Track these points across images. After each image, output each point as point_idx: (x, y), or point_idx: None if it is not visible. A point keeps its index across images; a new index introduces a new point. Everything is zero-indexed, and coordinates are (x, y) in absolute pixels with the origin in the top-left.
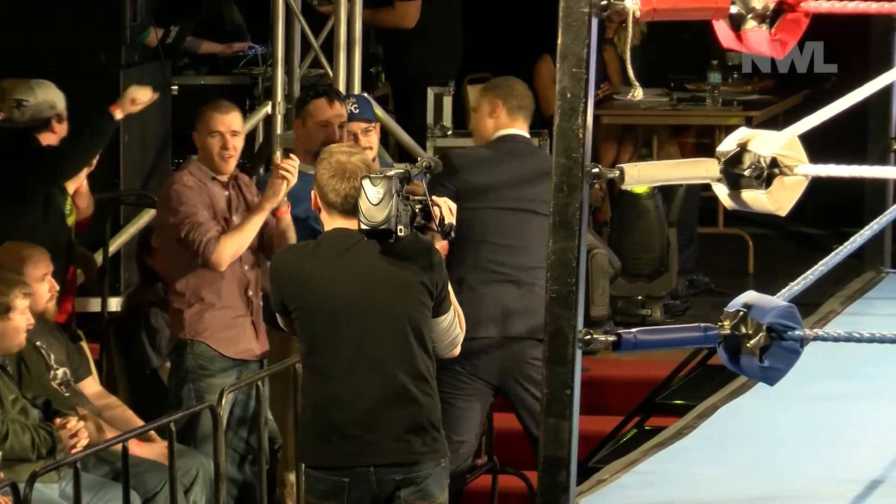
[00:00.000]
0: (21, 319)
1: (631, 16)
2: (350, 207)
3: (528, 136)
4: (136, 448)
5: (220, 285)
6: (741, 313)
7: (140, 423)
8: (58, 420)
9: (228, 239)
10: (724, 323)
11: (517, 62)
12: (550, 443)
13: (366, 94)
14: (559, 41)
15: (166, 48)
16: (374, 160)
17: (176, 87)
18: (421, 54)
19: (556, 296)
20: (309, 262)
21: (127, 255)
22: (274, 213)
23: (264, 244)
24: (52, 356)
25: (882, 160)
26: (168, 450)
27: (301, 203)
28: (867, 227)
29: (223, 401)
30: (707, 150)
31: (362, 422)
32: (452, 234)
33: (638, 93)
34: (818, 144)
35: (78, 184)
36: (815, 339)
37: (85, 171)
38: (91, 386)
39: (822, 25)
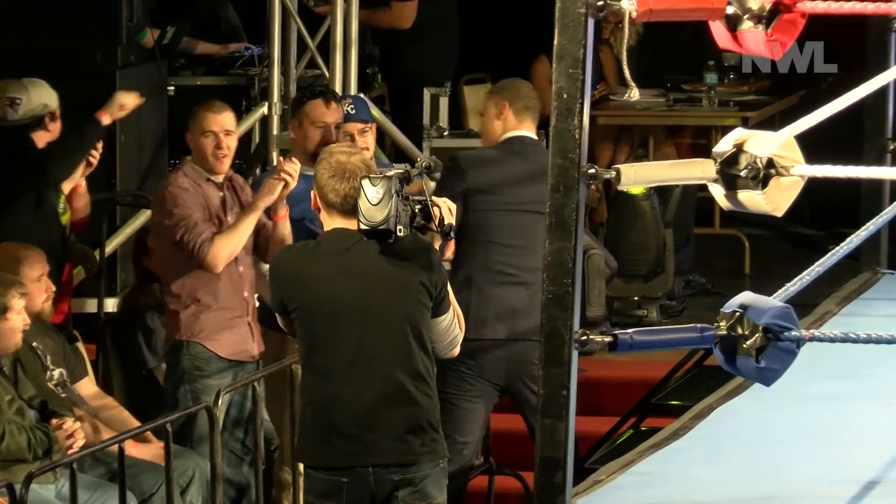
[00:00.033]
0: (17, 320)
1: (627, 16)
2: (350, 207)
3: (535, 136)
4: (133, 449)
5: (217, 286)
6: (737, 314)
7: (136, 423)
8: (54, 421)
9: (223, 239)
10: (721, 324)
11: (514, 63)
12: (547, 444)
13: (362, 95)
14: (556, 42)
15: (162, 49)
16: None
17: (172, 88)
18: (417, 55)
19: (552, 296)
20: (308, 262)
21: (123, 256)
22: (272, 216)
23: (260, 246)
24: (49, 357)
25: (878, 161)
26: (164, 450)
27: (296, 204)
28: (863, 228)
29: (219, 401)
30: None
31: (361, 422)
32: (452, 234)
33: (634, 93)
34: (814, 145)
35: (73, 183)
36: (812, 339)
37: (81, 171)
38: (87, 387)
39: (823, 25)
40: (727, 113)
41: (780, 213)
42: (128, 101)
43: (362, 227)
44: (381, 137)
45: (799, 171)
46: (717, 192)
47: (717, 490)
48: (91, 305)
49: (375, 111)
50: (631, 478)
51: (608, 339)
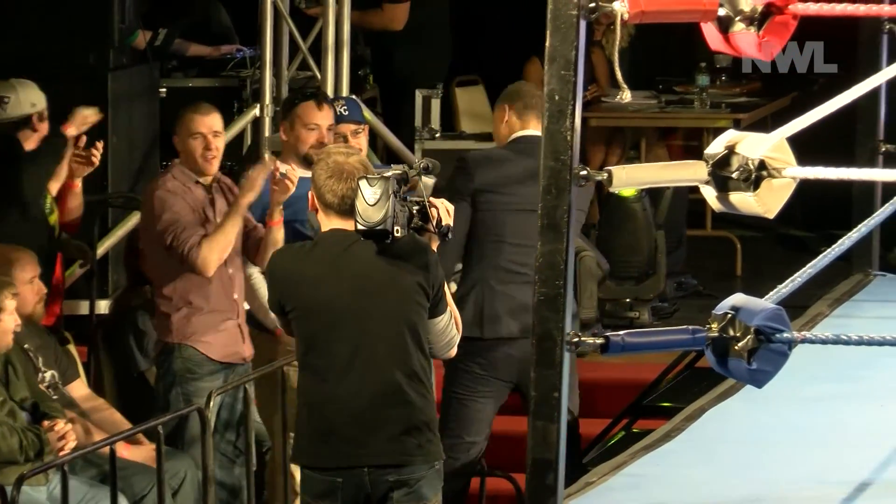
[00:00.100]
0: (9, 320)
1: (619, 18)
2: (347, 208)
3: (541, 134)
4: (124, 451)
5: (208, 289)
6: (729, 316)
7: (128, 425)
8: (46, 423)
9: (210, 243)
10: (712, 325)
11: (506, 64)
12: (538, 445)
13: (354, 97)
14: (547, 43)
15: (154, 50)
16: None
17: (164, 90)
18: (409, 57)
19: (544, 298)
20: (306, 263)
21: (115, 258)
22: (267, 222)
23: (249, 249)
24: (40, 359)
25: (870, 162)
26: (156, 452)
27: (286, 207)
28: (855, 230)
29: (211, 403)
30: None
31: (357, 422)
32: (450, 235)
33: (626, 95)
34: (806, 147)
35: (60, 182)
36: (803, 341)
37: (66, 171)
38: (79, 388)
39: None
40: (719, 115)
41: (771, 215)
42: (89, 114)
43: (359, 227)
44: (374, 139)
45: (790, 172)
46: (709, 193)
47: (709, 492)
48: (83, 307)
49: (368, 113)
50: (622, 479)
51: (600, 340)
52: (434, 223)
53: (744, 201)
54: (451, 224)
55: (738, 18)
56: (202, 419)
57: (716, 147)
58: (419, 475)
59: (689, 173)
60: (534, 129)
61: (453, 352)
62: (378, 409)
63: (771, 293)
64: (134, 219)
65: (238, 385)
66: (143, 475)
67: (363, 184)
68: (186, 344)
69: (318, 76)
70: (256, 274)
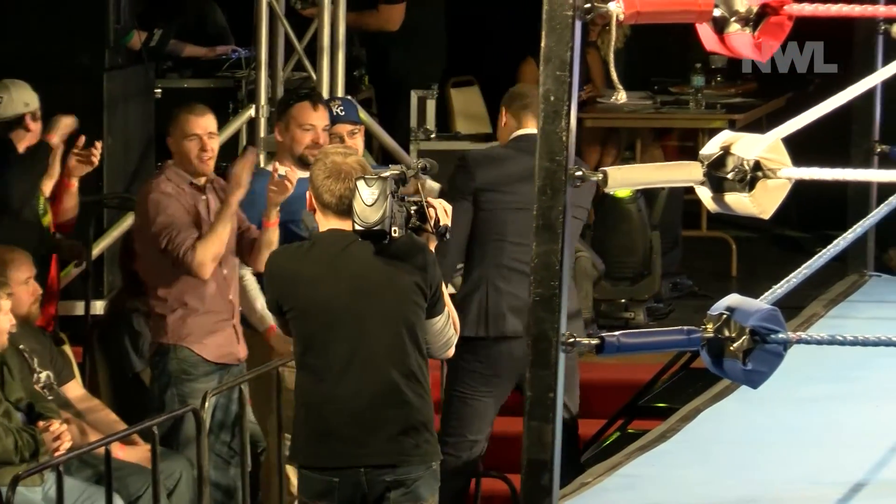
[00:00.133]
0: (4, 321)
1: (615, 19)
2: (345, 208)
3: None
4: (120, 451)
5: (203, 290)
6: (724, 316)
7: (123, 426)
8: (41, 423)
9: (204, 245)
10: (708, 326)
11: (501, 65)
12: (533, 446)
13: (349, 97)
14: (543, 44)
15: (150, 51)
16: None
17: (159, 91)
18: (404, 57)
19: (539, 298)
20: (304, 263)
21: (110, 259)
22: (263, 223)
23: (243, 249)
24: (36, 360)
25: (865, 163)
26: (151, 453)
27: (281, 207)
28: (850, 231)
29: (206, 404)
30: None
31: (355, 422)
32: (447, 235)
33: (621, 96)
34: (801, 147)
35: (53, 181)
36: (798, 342)
37: (57, 171)
38: (74, 389)
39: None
40: (714, 115)
41: (766, 216)
42: (69, 122)
43: (357, 228)
44: (369, 140)
45: (786, 173)
46: (704, 194)
47: (704, 492)
48: (78, 308)
49: (363, 114)
50: (618, 480)
51: (595, 341)
52: (432, 223)
53: (739, 202)
54: (449, 224)
55: (733, 19)
56: (197, 420)
57: (711, 148)
58: (416, 475)
59: (685, 174)
60: (531, 127)
61: (451, 352)
62: (376, 410)
63: (766, 294)
64: (129, 220)
65: (234, 385)
66: (138, 476)
67: (361, 184)
68: (182, 345)
69: (314, 77)
70: (248, 276)
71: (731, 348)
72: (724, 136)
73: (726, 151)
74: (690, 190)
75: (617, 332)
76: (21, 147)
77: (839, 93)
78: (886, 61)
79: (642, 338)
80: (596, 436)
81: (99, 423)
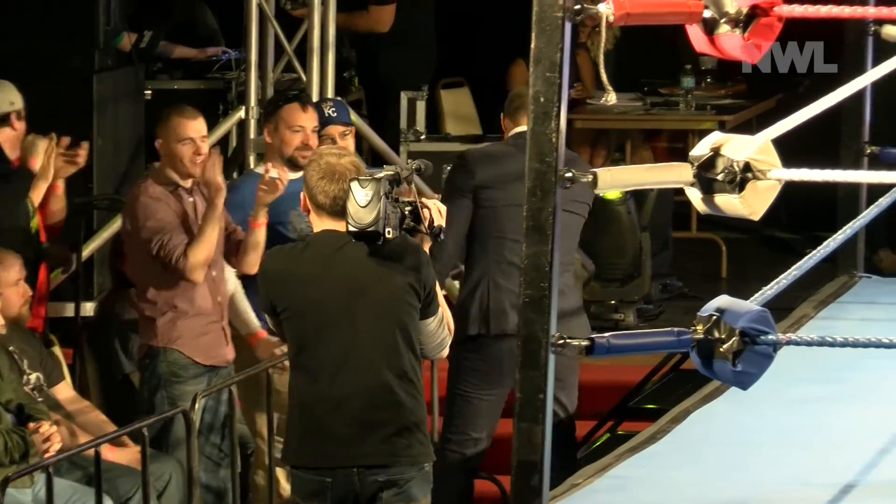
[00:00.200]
0: None
1: (604, 20)
2: (339, 209)
3: None
4: (109, 453)
5: (193, 293)
6: (714, 318)
7: (113, 427)
8: (31, 424)
9: (195, 250)
10: (697, 327)
11: (491, 67)
12: (523, 447)
13: (340, 99)
14: (532, 45)
15: (140, 53)
16: None
17: (149, 92)
18: (394, 59)
19: (529, 300)
20: (298, 264)
21: (100, 260)
22: (250, 223)
23: (230, 251)
24: (26, 361)
25: (855, 164)
26: (141, 455)
27: (270, 209)
28: (840, 232)
29: (196, 405)
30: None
31: (348, 423)
32: (442, 235)
33: (611, 97)
34: (791, 149)
35: (46, 185)
36: (788, 343)
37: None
38: (64, 391)
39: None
40: (704, 117)
41: (756, 217)
42: (42, 143)
43: (351, 229)
44: (359, 141)
45: (776, 174)
46: (694, 195)
47: (694, 494)
48: (68, 309)
49: (353, 115)
50: (607, 481)
51: (585, 342)
52: (426, 224)
53: (729, 203)
54: (444, 225)
55: (723, 20)
56: (187, 421)
57: (701, 149)
58: (409, 476)
59: (675, 175)
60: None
61: (445, 352)
62: (369, 410)
63: (756, 295)
64: (119, 221)
65: (224, 387)
66: (128, 477)
67: (355, 185)
68: (172, 348)
69: (304, 78)
70: (233, 278)
71: (721, 350)
72: (714, 138)
73: (716, 153)
74: (680, 191)
75: (607, 334)
76: (6, 147)
77: (829, 94)
78: (876, 62)
79: (632, 339)
80: (586, 437)
81: (89, 425)
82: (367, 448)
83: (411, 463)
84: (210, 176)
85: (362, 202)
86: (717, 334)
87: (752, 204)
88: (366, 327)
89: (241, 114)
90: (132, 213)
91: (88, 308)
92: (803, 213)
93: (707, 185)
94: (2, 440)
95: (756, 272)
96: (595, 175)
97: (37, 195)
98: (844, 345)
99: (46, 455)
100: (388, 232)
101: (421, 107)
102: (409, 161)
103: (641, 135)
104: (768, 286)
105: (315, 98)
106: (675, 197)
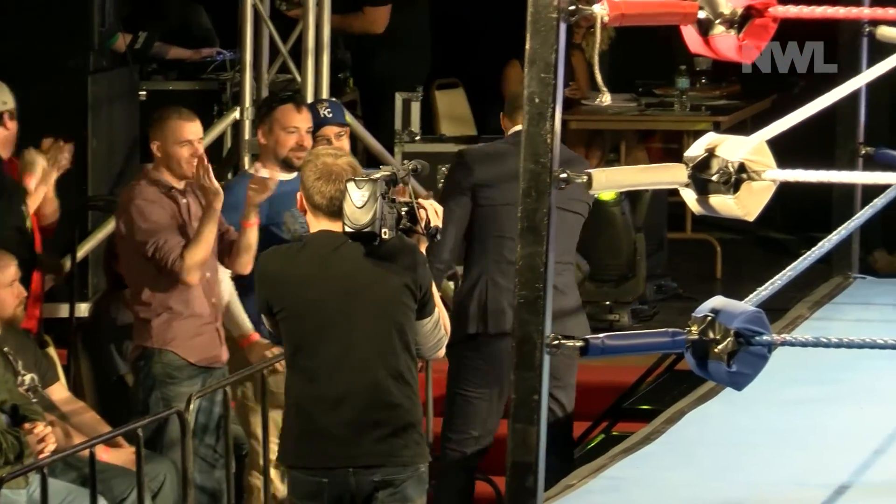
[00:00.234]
0: None
1: (599, 21)
2: (336, 209)
3: None
4: (104, 454)
5: (187, 294)
6: (709, 318)
7: (108, 428)
8: (26, 425)
9: (191, 252)
10: (692, 328)
11: (486, 67)
12: (518, 448)
13: (335, 99)
14: (527, 46)
15: (134, 53)
16: None
17: (144, 93)
18: (389, 60)
19: (524, 301)
20: (294, 264)
21: (95, 261)
22: (242, 223)
23: (223, 251)
24: (20, 362)
25: (850, 165)
26: (136, 455)
27: (261, 210)
28: (835, 233)
29: (191, 406)
30: (675, 156)
31: (344, 423)
32: (438, 236)
33: (606, 98)
34: (786, 149)
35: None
36: (783, 344)
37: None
38: (58, 392)
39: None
40: (699, 117)
41: (751, 218)
42: (38, 158)
43: (347, 229)
44: (353, 142)
45: (770, 175)
46: (689, 196)
47: (689, 495)
48: (63, 310)
49: (348, 116)
50: (602, 482)
51: (579, 343)
52: (422, 224)
53: (724, 204)
54: (440, 225)
55: (717, 21)
56: (182, 422)
57: (696, 150)
58: (404, 476)
59: (669, 176)
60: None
61: (441, 353)
62: (365, 410)
63: (751, 296)
64: (114, 222)
65: (218, 388)
66: (122, 478)
67: (351, 186)
68: (166, 349)
69: (298, 79)
70: (228, 284)
71: (716, 350)
72: (709, 138)
73: (711, 153)
74: (675, 192)
75: (601, 335)
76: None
77: (823, 95)
78: (871, 63)
79: (627, 340)
80: (581, 438)
81: (83, 426)
82: (363, 448)
83: (407, 463)
84: (207, 181)
85: (359, 203)
86: (711, 335)
87: (746, 205)
88: (362, 328)
89: (236, 115)
90: (126, 216)
91: (83, 309)
92: (798, 213)
93: (702, 185)
94: None
95: (751, 273)
96: (590, 176)
97: (34, 202)
98: (839, 345)
99: (41, 456)
100: (385, 232)
101: (416, 108)
102: (404, 162)
103: (636, 135)
104: (763, 287)
105: (310, 99)
106: (669, 198)
